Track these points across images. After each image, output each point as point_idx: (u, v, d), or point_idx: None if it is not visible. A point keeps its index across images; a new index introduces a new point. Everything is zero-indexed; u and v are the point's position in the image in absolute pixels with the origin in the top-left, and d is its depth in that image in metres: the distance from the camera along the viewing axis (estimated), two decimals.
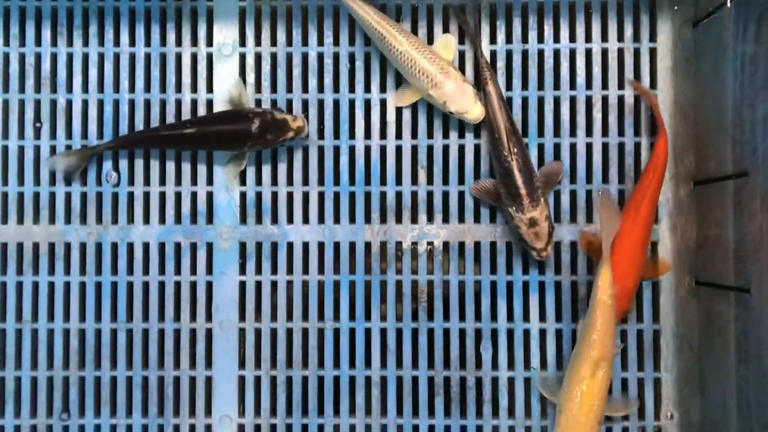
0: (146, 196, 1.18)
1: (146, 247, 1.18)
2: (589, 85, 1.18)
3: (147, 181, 1.18)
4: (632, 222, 1.10)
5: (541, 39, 1.19)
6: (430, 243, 1.18)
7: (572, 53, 1.18)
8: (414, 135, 1.18)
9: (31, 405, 1.17)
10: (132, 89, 1.19)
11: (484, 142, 1.17)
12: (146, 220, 1.18)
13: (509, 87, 1.18)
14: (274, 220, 1.19)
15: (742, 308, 0.99)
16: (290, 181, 1.19)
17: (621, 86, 1.18)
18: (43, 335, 1.17)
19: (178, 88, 1.19)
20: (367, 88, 1.19)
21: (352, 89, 1.19)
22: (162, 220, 1.18)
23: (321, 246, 1.18)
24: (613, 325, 1.06)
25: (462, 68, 1.18)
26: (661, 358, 1.16)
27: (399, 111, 1.18)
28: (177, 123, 1.16)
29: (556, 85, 1.18)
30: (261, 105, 1.18)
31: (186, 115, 1.18)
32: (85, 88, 1.19)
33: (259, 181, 1.19)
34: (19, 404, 1.17)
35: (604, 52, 1.18)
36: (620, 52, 1.18)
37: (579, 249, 1.16)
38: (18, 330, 1.17)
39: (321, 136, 1.19)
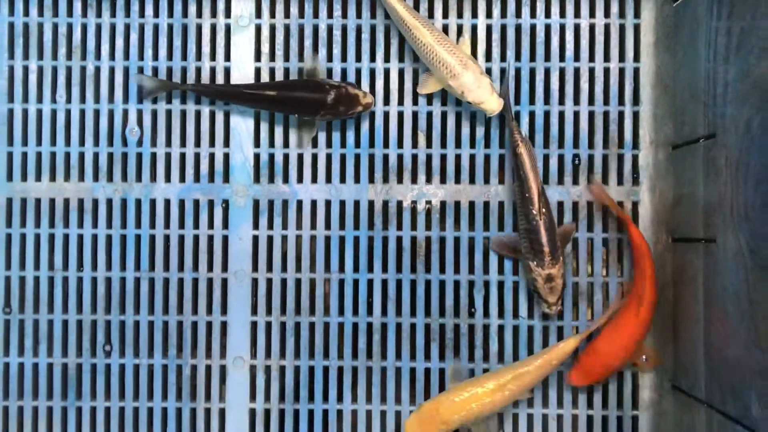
0: (168, 156, 1.29)
1: (167, 203, 1.28)
2: (577, 57, 1.28)
3: (168, 143, 1.29)
4: (635, 315, 1.19)
5: (533, 14, 1.28)
6: (428, 202, 1.28)
7: (562, 28, 1.28)
8: (415, 102, 1.28)
9: (62, 346, 1.27)
10: (155, 57, 1.29)
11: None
12: (168, 178, 1.28)
13: (503, 58, 1.28)
14: (285, 179, 1.29)
15: (710, 257, 1.08)
16: (301, 144, 1.29)
17: (607, 59, 1.28)
18: (73, 283, 1.28)
19: (198, 56, 1.29)
20: (373, 58, 1.28)
21: (358, 59, 1.28)
22: (182, 178, 1.28)
23: (328, 204, 1.28)
24: (543, 373, 1.19)
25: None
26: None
27: (401, 80, 1.28)
28: (260, 84, 1.26)
29: (547, 57, 1.28)
30: (331, 77, 1.26)
31: (205, 81, 1.28)
32: (112, 56, 1.29)
33: (271, 144, 1.29)
34: (51, 345, 1.27)
35: (592, 27, 1.28)
36: (606, 28, 1.28)
37: (569, 208, 1.26)
38: (50, 278, 1.28)
39: None
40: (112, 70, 1.29)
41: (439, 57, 1.20)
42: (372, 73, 1.28)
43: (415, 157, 1.28)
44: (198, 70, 1.29)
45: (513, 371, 1.18)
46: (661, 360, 1.23)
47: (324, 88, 1.22)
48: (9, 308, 1.27)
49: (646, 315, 1.19)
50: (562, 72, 1.28)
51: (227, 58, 1.29)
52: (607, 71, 1.28)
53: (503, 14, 1.28)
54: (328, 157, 1.28)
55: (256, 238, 1.28)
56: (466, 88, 1.19)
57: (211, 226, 1.28)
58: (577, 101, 1.28)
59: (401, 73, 1.28)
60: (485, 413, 1.18)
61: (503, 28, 1.28)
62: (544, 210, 1.19)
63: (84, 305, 1.27)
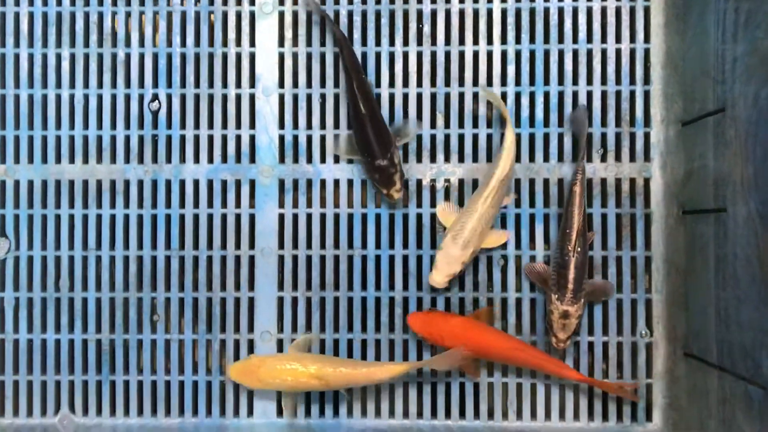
0: (196, 138, 1.34)
1: (196, 183, 1.33)
2: (589, 39, 1.32)
3: (197, 125, 1.34)
4: (503, 341, 1.25)
5: None
6: (447, 180, 1.33)
7: (575, 11, 1.32)
8: (433, 84, 1.33)
9: (96, 323, 1.32)
10: (183, 44, 1.34)
11: (497, 88, 1.32)
12: (196, 159, 1.33)
13: (518, 41, 1.32)
14: (309, 159, 1.33)
15: (720, 227, 1.13)
16: (323, 125, 1.33)
17: (618, 40, 1.32)
18: (106, 261, 1.33)
19: (224, 42, 1.34)
20: (392, 42, 1.33)
21: (378, 43, 1.33)
22: (210, 159, 1.34)
23: (350, 183, 1.33)
24: (361, 381, 1.24)
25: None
26: (652, 281, 1.30)
27: (420, 63, 1.33)
28: (367, 94, 1.27)
29: (561, 40, 1.32)
30: (393, 153, 1.26)
31: (231, 67, 1.33)
32: (142, 43, 1.34)
33: (295, 125, 1.34)
34: (86, 322, 1.32)
35: (603, 10, 1.32)
36: (618, 10, 1.32)
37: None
38: (84, 257, 1.33)
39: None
40: (141, 57, 1.34)
41: (459, 221, 1.25)
42: (392, 57, 1.33)
43: (433, 137, 1.33)
44: (224, 56, 1.34)
45: (337, 366, 1.23)
46: (477, 375, 1.29)
47: (386, 152, 1.25)
48: (59, 288, 1.32)
49: (511, 357, 1.25)
50: (575, 53, 1.32)
51: (252, 44, 1.34)
52: (618, 52, 1.32)
53: None
54: (350, 138, 1.33)
55: (281, 216, 1.33)
56: (436, 259, 1.25)
57: (238, 205, 1.33)
58: (590, 81, 1.32)
59: (419, 56, 1.33)
60: (297, 390, 1.25)
61: (518, 11, 1.32)
62: (579, 249, 1.23)
63: (117, 283, 1.32)
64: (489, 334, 1.26)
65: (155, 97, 1.33)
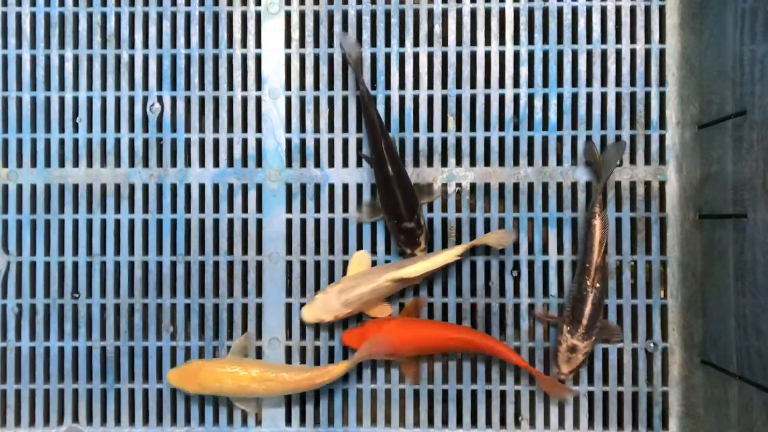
0: (202, 141, 1.31)
1: (202, 188, 1.31)
2: (604, 39, 1.30)
3: (202, 128, 1.31)
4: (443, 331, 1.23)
5: None
6: (458, 184, 1.30)
7: (589, 10, 1.30)
8: (444, 86, 1.30)
9: (101, 330, 1.30)
10: (188, 45, 1.31)
11: (510, 90, 1.29)
12: (202, 163, 1.31)
13: (531, 41, 1.30)
14: (317, 163, 1.31)
15: (740, 232, 1.10)
16: (331, 129, 1.31)
17: (633, 40, 1.29)
18: (111, 267, 1.30)
19: (230, 43, 1.31)
20: (402, 43, 1.30)
21: (387, 44, 1.30)
22: (216, 163, 1.31)
23: (359, 187, 1.30)
24: (302, 387, 1.22)
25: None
26: (667, 286, 1.28)
27: (431, 64, 1.30)
28: (390, 151, 1.24)
29: (574, 40, 1.30)
30: (419, 215, 1.25)
31: (237, 69, 1.30)
32: (146, 44, 1.31)
33: (303, 129, 1.31)
34: (90, 329, 1.30)
35: (618, 10, 1.30)
36: (632, 10, 1.29)
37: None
38: (88, 263, 1.30)
39: (359, 87, 1.30)
40: (146, 58, 1.31)
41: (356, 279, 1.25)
42: (401, 58, 1.30)
43: (444, 140, 1.30)
44: (229, 57, 1.31)
45: (278, 371, 1.22)
46: (417, 378, 1.27)
47: (413, 214, 1.23)
48: (77, 294, 1.30)
49: (452, 344, 1.23)
50: (589, 54, 1.30)
51: (258, 45, 1.31)
52: (633, 53, 1.29)
53: None
54: (359, 141, 1.31)
55: (289, 221, 1.30)
56: (316, 297, 1.25)
57: (245, 209, 1.31)
58: (604, 83, 1.30)
59: (430, 57, 1.30)
60: (237, 394, 1.23)
61: (531, 11, 1.30)
62: (598, 285, 1.21)
63: (122, 289, 1.30)
64: (425, 327, 1.24)
65: (158, 99, 1.30)
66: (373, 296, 1.23)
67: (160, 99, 1.31)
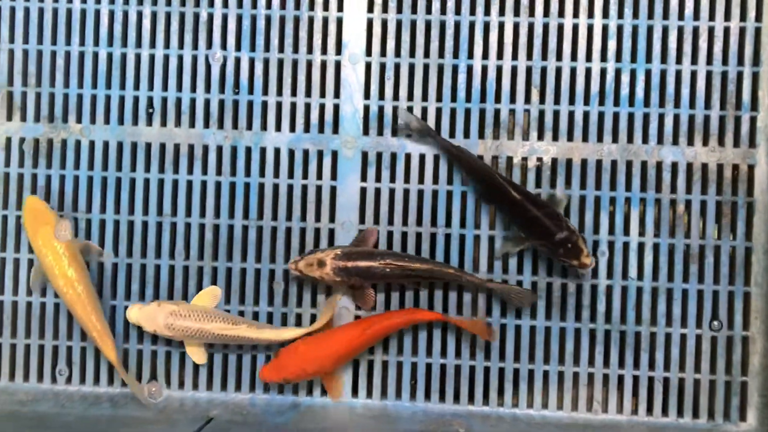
0: (279, 105, 1.28)
1: (277, 152, 1.28)
2: (696, 16, 1.25)
3: (279, 92, 1.28)
4: (358, 333, 1.20)
5: None
6: (539, 159, 1.27)
7: None
8: (529, 57, 1.26)
9: (168, 291, 1.28)
10: (268, 6, 1.28)
11: (597, 64, 1.25)
12: (278, 127, 1.28)
13: (621, 15, 1.26)
14: (394, 132, 1.28)
15: None
16: (410, 97, 1.28)
17: (727, 18, 1.25)
18: (181, 228, 1.28)
19: (311, 6, 1.28)
20: (487, 11, 1.27)
21: (472, 12, 1.27)
22: (292, 128, 1.28)
23: (436, 158, 1.27)
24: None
25: None
26: (751, 273, 1.24)
27: (516, 34, 1.27)
28: (507, 180, 1.21)
29: (665, 15, 1.26)
30: (563, 220, 1.19)
31: (317, 32, 1.28)
32: (225, 4, 1.29)
33: (381, 96, 1.28)
34: (157, 290, 1.28)
35: None
36: None
37: (682, 169, 1.24)
38: (158, 223, 1.28)
39: (441, 55, 1.27)
40: (225, 17, 1.29)
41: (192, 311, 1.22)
42: (486, 27, 1.27)
43: (527, 113, 1.27)
44: (310, 20, 1.28)
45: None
46: (340, 395, 1.24)
47: (560, 224, 1.18)
48: (131, 253, 1.28)
49: (368, 339, 1.20)
50: (680, 30, 1.25)
51: (340, 8, 1.28)
52: (727, 30, 1.25)
53: None
54: (438, 111, 1.27)
55: (363, 190, 1.28)
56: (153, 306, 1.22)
57: (319, 176, 1.28)
58: (695, 61, 1.25)
59: (516, 27, 1.26)
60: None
61: None
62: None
63: (192, 251, 1.28)
64: (336, 336, 1.21)
65: (236, 60, 1.28)
66: (197, 336, 1.21)
67: (237, 60, 1.28)
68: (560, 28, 1.26)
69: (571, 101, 1.26)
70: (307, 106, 1.28)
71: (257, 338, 1.22)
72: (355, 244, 1.24)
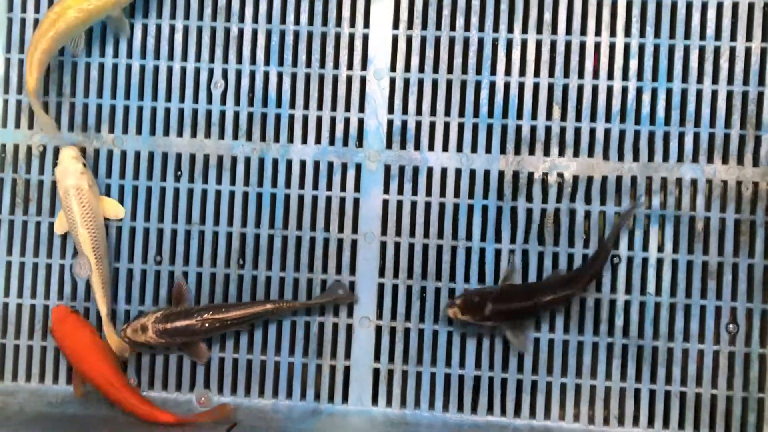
0: (305, 118, 1.32)
1: (303, 164, 1.31)
2: (718, 36, 1.27)
3: (306, 105, 1.32)
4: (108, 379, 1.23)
5: None
6: (560, 175, 1.29)
7: (704, 6, 1.27)
8: (551, 74, 1.29)
9: (196, 297, 1.32)
10: (297, 22, 1.32)
11: (618, 82, 1.27)
12: (304, 140, 1.32)
13: (643, 34, 1.27)
14: (417, 146, 1.31)
15: None
16: (433, 112, 1.30)
17: (749, 38, 1.26)
18: (209, 237, 1.32)
19: (338, 22, 1.31)
20: (510, 29, 1.29)
21: (496, 29, 1.29)
22: (318, 140, 1.32)
23: (458, 172, 1.30)
24: None
25: None
26: None
27: (539, 51, 1.29)
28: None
29: (687, 35, 1.27)
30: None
31: (344, 48, 1.31)
32: (255, 19, 1.32)
33: (405, 110, 1.31)
34: None
35: (735, 6, 1.27)
36: (750, 6, 1.26)
37: (702, 187, 1.25)
38: (187, 231, 1.32)
39: (464, 71, 1.30)
40: (254, 33, 1.32)
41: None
42: (509, 44, 1.29)
43: (548, 129, 1.29)
44: (337, 36, 1.32)
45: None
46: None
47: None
48: (160, 257, 1.32)
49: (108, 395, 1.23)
50: (701, 50, 1.27)
51: (366, 24, 1.31)
52: (748, 50, 1.26)
53: None
54: (461, 126, 1.30)
55: (386, 203, 1.30)
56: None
57: (343, 188, 1.31)
58: (715, 80, 1.27)
59: (538, 44, 1.29)
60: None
61: (644, 4, 1.27)
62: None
63: (218, 259, 1.31)
64: (98, 362, 1.25)
65: (264, 75, 1.31)
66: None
67: (266, 74, 1.32)
68: (582, 45, 1.28)
69: (593, 118, 1.28)
70: (333, 120, 1.31)
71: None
72: (176, 298, 1.28)
